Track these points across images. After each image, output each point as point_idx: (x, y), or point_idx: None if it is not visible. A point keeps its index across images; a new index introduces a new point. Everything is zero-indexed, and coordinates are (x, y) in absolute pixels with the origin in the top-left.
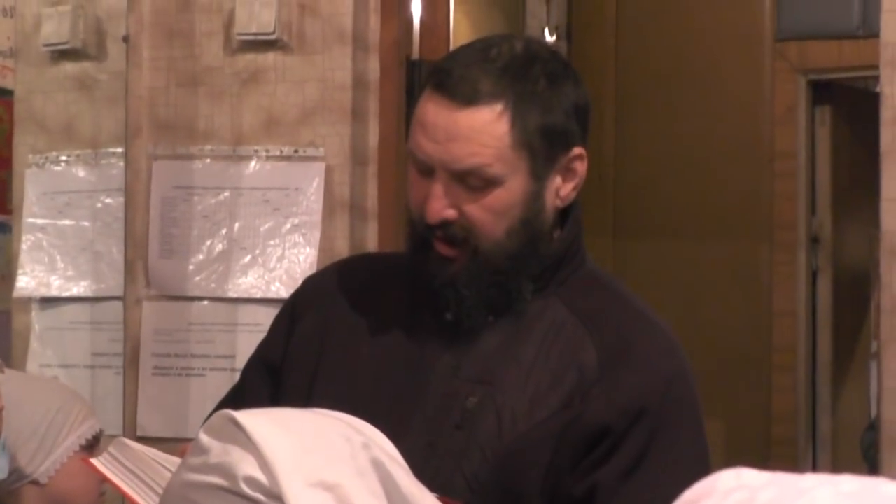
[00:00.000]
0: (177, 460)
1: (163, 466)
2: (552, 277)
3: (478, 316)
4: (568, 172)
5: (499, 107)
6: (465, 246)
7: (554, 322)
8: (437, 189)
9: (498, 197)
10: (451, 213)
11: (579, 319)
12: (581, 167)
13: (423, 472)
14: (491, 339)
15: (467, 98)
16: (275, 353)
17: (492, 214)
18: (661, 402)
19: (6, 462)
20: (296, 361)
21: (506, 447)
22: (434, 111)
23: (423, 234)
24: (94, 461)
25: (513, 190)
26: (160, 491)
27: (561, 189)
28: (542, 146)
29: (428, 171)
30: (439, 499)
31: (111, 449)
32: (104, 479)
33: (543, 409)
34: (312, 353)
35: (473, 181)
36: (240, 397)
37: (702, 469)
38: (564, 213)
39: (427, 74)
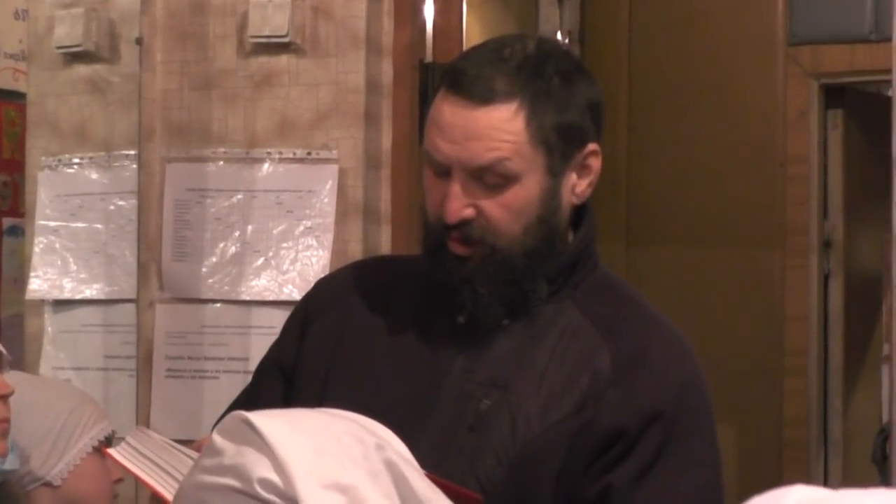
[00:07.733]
0: (195, 452)
1: (182, 454)
2: (566, 281)
3: (493, 315)
4: (583, 169)
5: (514, 105)
6: (481, 245)
7: (568, 326)
8: (455, 189)
9: (516, 194)
10: (469, 212)
11: (594, 324)
12: (596, 163)
13: (437, 474)
14: (505, 343)
15: (483, 97)
16: (287, 355)
17: (510, 212)
18: (675, 407)
19: (17, 458)
20: (309, 363)
21: (519, 450)
22: (450, 111)
23: (439, 236)
24: (111, 451)
25: (530, 187)
26: (179, 478)
27: (577, 186)
28: (559, 143)
29: (445, 171)
30: (456, 488)
31: (129, 438)
32: (123, 469)
33: (557, 412)
34: (325, 355)
35: (491, 179)
36: (252, 399)
37: (714, 473)
38: (577, 217)
39: (441, 75)
